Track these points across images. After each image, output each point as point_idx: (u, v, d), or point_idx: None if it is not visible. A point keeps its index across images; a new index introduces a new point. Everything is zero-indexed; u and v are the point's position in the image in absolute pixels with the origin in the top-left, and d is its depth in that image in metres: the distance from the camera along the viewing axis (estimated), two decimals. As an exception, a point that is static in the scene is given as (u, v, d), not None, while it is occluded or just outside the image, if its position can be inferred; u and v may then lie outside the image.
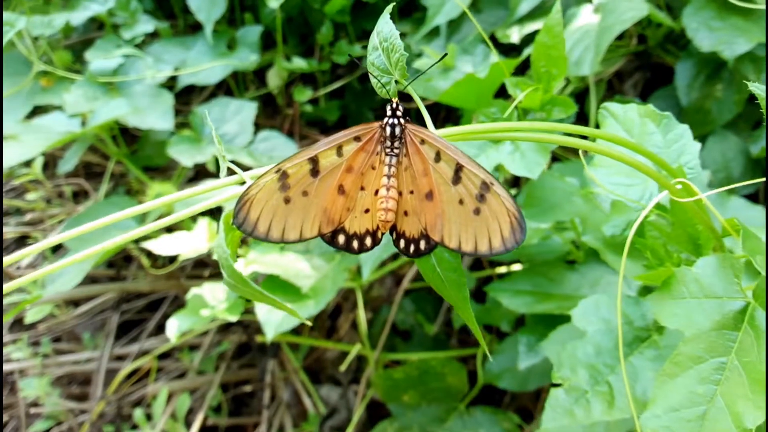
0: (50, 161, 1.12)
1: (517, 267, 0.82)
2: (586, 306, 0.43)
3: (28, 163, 1.01)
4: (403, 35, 1.12)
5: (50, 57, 1.12)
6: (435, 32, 1.03)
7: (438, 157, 0.35)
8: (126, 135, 1.11)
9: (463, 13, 0.98)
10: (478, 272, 0.89)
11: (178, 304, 1.19)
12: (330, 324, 1.12)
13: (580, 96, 0.97)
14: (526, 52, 0.84)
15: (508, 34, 0.94)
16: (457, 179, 0.35)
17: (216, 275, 1.12)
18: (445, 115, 1.11)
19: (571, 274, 0.58)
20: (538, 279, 0.60)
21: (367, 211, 0.37)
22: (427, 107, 1.09)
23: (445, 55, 0.41)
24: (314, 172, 0.36)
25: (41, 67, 1.04)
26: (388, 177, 0.36)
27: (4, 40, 0.98)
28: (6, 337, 1.20)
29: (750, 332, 0.30)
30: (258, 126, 1.15)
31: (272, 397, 1.09)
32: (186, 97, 1.24)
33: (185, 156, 0.94)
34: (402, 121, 0.37)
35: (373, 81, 0.37)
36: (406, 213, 0.37)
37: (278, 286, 0.70)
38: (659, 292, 0.34)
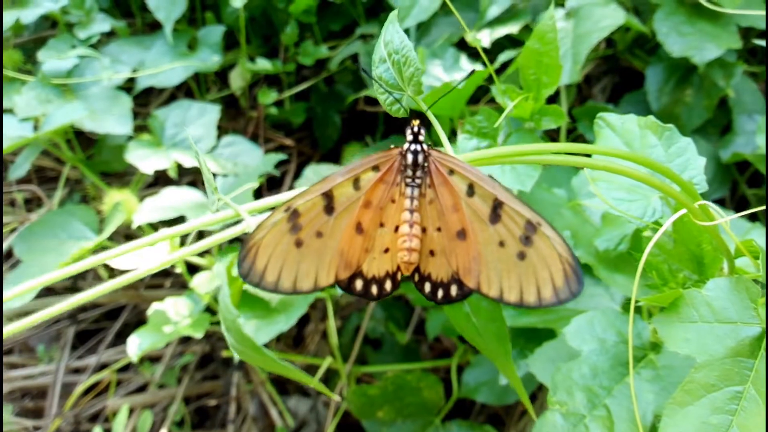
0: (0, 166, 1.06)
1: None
2: (580, 324, 0.42)
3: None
4: (369, 37, 1.09)
5: (-2, 56, 1.05)
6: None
7: (471, 191, 0.31)
8: (81, 138, 1.06)
9: (432, 16, 0.96)
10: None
11: (138, 311, 1.14)
12: (297, 332, 1.09)
13: (550, 101, 0.96)
14: (501, 57, 0.83)
15: (479, 37, 0.93)
16: (495, 217, 0.31)
17: (177, 285, 1.08)
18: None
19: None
20: (520, 291, 0.59)
21: (387, 250, 0.33)
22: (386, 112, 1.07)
23: (473, 72, 0.37)
24: (329, 208, 0.32)
25: (-12, 67, 0.98)
26: (411, 212, 0.32)
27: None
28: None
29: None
30: (221, 129, 1.11)
31: (238, 410, 1.05)
32: (144, 99, 1.19)
33: (145, 162, 0.89)
34: (425, 147, 0.32)
35: (381, 98, 0.33)
36: (432, 253, 0.32)
37: (245, 301, 0.66)
38: (666, 314, 0.32)
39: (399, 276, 0.34)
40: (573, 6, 0.82)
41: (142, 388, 1.10)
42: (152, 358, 1.11)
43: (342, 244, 0.32)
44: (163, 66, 1.02)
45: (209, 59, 1.04)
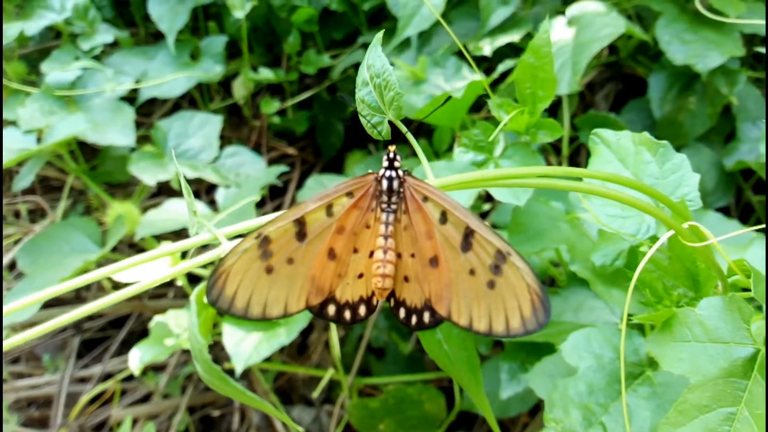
0: (5, 177, 1.06)
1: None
2: (577, 340, 0.42)
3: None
4: (372, 46, 1.09)
5: (4, 68, 1.06)
6: (406, 44, 1.01)
7: (444, 218, 0.31)
8: (85, 149, 1.06)
9: (433, 25, 0.96)
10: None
11: (142, 320, 1.14)
12: (301, 341, 1.08)
13: (552, 109, 0.96)
14: (501, 67, 0.83)
15: (480, 46, 0.92)
16: (467, 245, 0.30)
17: (180, 295, 1.08)
18: (417, 127, 1.09)
19: (554, 299, 0.56)
20: (520, 304, 0.58)
21: (360, 276, 0.33)
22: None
23: (449, 98, 0.37)
24: (301, 235, 0.32)
25: (-7, 79, 0.98)
26: (385, 237, 0.32)
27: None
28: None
29: (760, 381, 0.29)
30: (224, 138, 1.12)
31: (242, 420, 1.05)
32: (148, 109, 1.19)
33: (147, 174, 0.90)
34: (401, 173, 0.32)
35: (363, 121, 0.33)
36: (406, 278, 0.32)
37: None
38: (660, 333, 0.32)
39: (374, 301, 0.33)
40: (574, 14, 0.82)
41: (146, 398, 1.10)
42: (156, 368, 1.11)
43: (314, 270, 0.32)
44: (166, 76, 1.02)
45: (212, 69, 1.04)
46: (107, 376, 1.09)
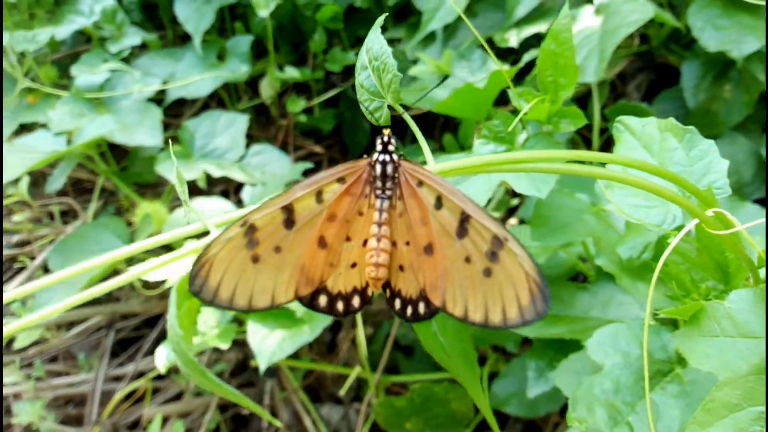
0: (39, 179, 1.09)
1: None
2: (603, 336, 0.40)
3: (14, 183, 0.98)
4: (397, 41, 1.08)
5: (37, 73, 1.08)
6: (431, 38, 0.99)
7: (439, 203, 0.30)
8: (116, 151, 1.08)
9: (459, 18, 0.94)
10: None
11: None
12: (330, 339, 1.08)
13: (582, 99, 0.93)
14: (526, 57, 0.81)
15: (506, 38, 0.91)
16: (462, 231, 0.29)
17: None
18: (444, 122, 1.07)
19: (582, 294, 0.55)
20: (546, 299, 0.56)
21: (354, 265, 0.32)
22: (423, 115, 1.05)
23: (445, 78, 0.36)
24: (289, 222, 0.31)
25: (26, 83, 1.00)
26: (379, 225, 0.31)
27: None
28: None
29: (794, 378, 0.27)
30: (252, 137, 1.12)
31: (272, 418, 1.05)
32: (177, 110, 1.20)
33: (174, 173, 0.90)
34: (395, 157, 0.31)
35: (362, 107, 0.32)
36: (401, 268, 0.31)
37: (270, 311, 0.66)
38: (688, 327, 0.30)
39: (369, 292, 0.32)
40: (602, 2, 0.80)
41: (178, 396, 1.11)
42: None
43: (303, 259, 0.31)
44: (193, 77, 1.03)
45: (238, 69, 1.05)
46: (140, 375, 1.11)
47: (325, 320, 0.67)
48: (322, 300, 0.32)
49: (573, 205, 0.53)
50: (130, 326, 1.21)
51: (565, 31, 0.41)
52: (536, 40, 0.92)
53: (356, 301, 0.32)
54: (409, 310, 0.31)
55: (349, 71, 1.15)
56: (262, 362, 0.63)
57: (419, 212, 0.30)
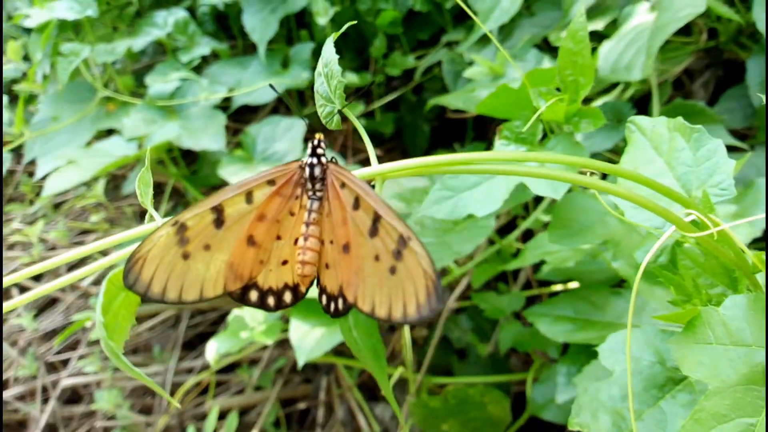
0: (115, 181, 1.16)
1: (573, 284, 0.77)
2: (615, 342, 0.39)
3: (91, 186, 1.05)
4: (455, 43, 1.08)
5: (116, 83, 1.16)
6: (486, 39, 0.99)
7: (357, 204, 0.31)
8: (187, 156, 1.14)
9: (514, 18, 0.93)
10: (528, 291, 0.84)
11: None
12: (384, 337, 1.09)
13: (643, 100, 0.90)
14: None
15: (562, 37, 0.89)
16: (374, 231, 0.30)
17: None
18: (498, 123, 1.06)
19: (616, 300, 0.53)
20: (580, 304, 0.55)
21: (285, 262, 0.34)
22: (479, 118, 1.04)
23: (372, 83, 0.37)
24: (218, 222, 0.32)
25: (105, 93, 1.08)
26: (308, 224, 0.32)
27: (70, 70, 1.02)
28: (84, 350, 1.26)
29: (781, 389, 0.26)
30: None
31: (329, 414, 1.08)
32: (245, 116, 1.25)
33: (236, 177, 0.94)
34: (324, 160, 0.33)
35: (319, 112, 0.34)
36: (327, 266, 0.33)
37: (311, 309, 0.68)
38: (683, 334, 0.29)
39: (302, 288, 0.34)
40: (658, -2, 0.77)
41: (242, 390, 1.15)
42: (252, 361, 1.16)
43: (231, 256, 0.32)
44: (257, 84, 1.07)
45: (299, 76, 1.08)
46: (207, 368, 1.16)
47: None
48: (253, 295, 0.34)
49: (595, 207, 0.51)
50: (208, 320, 1.27)
51: (581, 30, 0.41)
52: (594, 37, 0.90)
53: (288, 297, 0.34)
54: (332, 306, 0.32)
55: (409, 75, 1.16)
56: (300, 358, 0.65)
57: (341, 212, 0.32)
